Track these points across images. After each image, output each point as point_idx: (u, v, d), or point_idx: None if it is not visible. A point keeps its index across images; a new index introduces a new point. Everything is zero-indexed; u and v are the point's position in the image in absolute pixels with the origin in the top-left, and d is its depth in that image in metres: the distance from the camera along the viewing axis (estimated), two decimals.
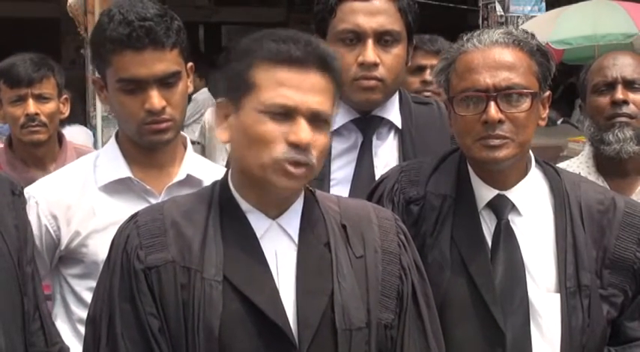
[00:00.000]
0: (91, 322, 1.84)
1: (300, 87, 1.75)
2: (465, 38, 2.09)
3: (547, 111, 2.13)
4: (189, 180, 2.34)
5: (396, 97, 2.54)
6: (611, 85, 2.68)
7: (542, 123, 2.11)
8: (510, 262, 2.05)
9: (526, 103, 2.01)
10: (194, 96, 8.21)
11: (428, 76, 3.52)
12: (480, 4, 9.41)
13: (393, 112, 2.53)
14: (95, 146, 6.21)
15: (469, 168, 2.12)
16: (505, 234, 2.07)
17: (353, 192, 2.39)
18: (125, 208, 2.18)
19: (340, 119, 2.49)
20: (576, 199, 2.10)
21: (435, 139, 2.49)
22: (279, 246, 1.82)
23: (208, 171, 2.37)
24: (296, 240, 1.83)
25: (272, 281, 1.78)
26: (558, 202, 2.09)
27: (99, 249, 2.22)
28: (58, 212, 2.29)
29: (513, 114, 2.00)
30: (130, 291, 1.77)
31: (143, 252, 1.78)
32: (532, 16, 8.89)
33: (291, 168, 1.74)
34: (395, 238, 1.91)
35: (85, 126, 7.02)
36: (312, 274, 1.80)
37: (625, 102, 2.65)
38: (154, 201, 2.24)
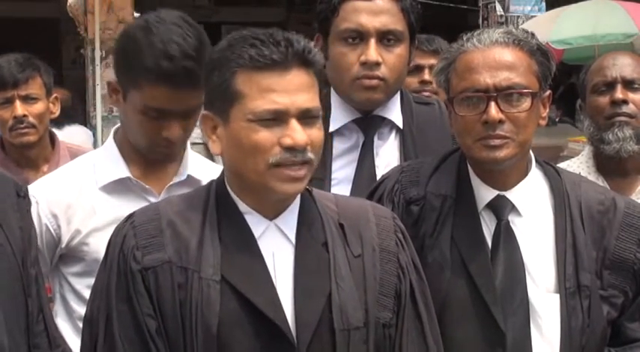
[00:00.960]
0: (88, 322, 1.84)
1: (286, 89, 1.73)
2: (464, 38, 2.08)
3: (547, 110, 2.12)
4: (189, 180, 2.34)
5: (397, 97, 2.54)
6: (610, 85, 2.68)
7: (543, 122, 2.10)
8: (510, 263, 2.04)
9: (526, 103, 2.01)
10: None
11: (426, 75, 3.52)
12: (480, 4, 9.43)
13: (394, 112, 2.52)
14: (95, 146, 6.20)
15: (469, 168, 2.12)
16: (505, 234, 2.06)
17: (354, 192, 2.39)
18: (125, 207, 2.18)
19: (342, 119, 2.49)
20: (576, 199, 2.09)
21: (436, 139, 2.49)
22: (277, 247, 1.81)
23: (208, 171, 2.37)
24: (293, 240, 1.82)
25: (270, 281, 1.77)
26: (558, 202, 2.09)
27: (100, 247, 2.22)
28: (58, 211, 2.30)
29: (513, 114, 1.99)
30: (127, 292, 1.77)
31: (140, 253, 1.78)
32: (532, 16, 8.91)
33: (291, 173, 1.73)
34: (393, 237, 1.91)
35: (85, 126, 7.02)
36: (310, 274, 1.79)
37: (624, 101, 2.65)
38: (153, 200, 2.25)
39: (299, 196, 1.86)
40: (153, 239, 1.79)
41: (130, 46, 2.18)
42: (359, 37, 2.41)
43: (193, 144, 2.58)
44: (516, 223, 2.08)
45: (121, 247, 1.80)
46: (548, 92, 2.10)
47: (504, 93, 1.99)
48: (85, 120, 7.56)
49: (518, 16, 9.06)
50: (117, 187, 2.31)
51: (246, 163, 1.75)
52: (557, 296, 2.02)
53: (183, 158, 2.37)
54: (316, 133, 1.77)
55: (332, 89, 2.54)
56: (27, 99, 3.34)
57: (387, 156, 2.52)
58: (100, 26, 8.52)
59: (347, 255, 1.83)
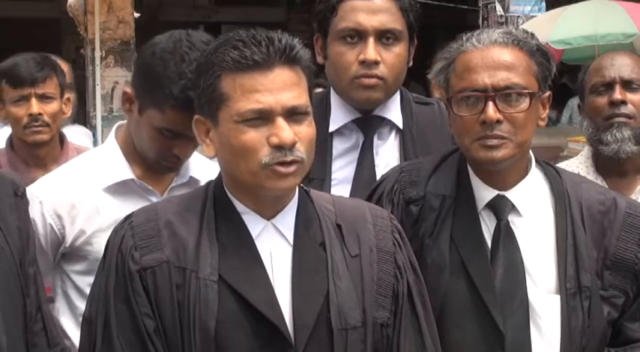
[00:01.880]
0: (86, 323, 1.84)
1: (270, 88, 1.73)
2: (464, 38, 2.08)
3: (547, 111, 2.12)
4: (192, 182, 2.35)
5: (397, 97, 2.54)
6: (609, 86, 2.67)
7: (542, 123, 2.10)
8: (510, 263, 2.04)
9: (525, 103, 2.00)
10: None
11: None
12: (480, 4, 9.44)
13: (394, 112, 2.52)
14: (95, 146, 6.20)
15: (469, 168, 2.12)
16: (505, 234, 2.06)
17: (354, 192, 2.39)
18: (129, 208, 2.18)
19: (341, 119, 2.49)
20: (577, 200, 2.09)
21: (435, 139, 2.49)
22: (274, 247, 1.81)
23: (210, 172, 2.37)
24: (291, 240, 1.82)
25: (268, 281, 1.77)
26: (559, 203, 2.09)
27: (103, 247, 2.24)
28: (62, 211, 2.31)
29: (512, 114, 1.99)
30: (125, 292, 1.77)
31: (138, 253, 1.78)
32: (532, 16, 8.92)
33: (281, 169, 1.73)
34: (390, 237, 1.91)
35: (85, 126, 7.02)
36: (308, 274, 1.80)
37: (623, 102, 2.65)
38: (156, 201, 2.25)
39: (296, 196, 1.86)
40: (151, 239, 1.80)
41: (158, 68, 2.15)
42: (357, 36, 2.41)
43: None
44: (516, 223, 2.08)
45: (119, 247, 1.81)
46: (547, 93, 2.10)
47: (503, 93, 1.99)
48: (84, 120, 7.57)
49: (518, 16, 9.08)
50: (120, 188, 2.32)
51: (238, 164, 1.76)
52: (558, 296, 2.02)
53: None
54: (305, 130, 1.76)
55: (331, 89, 2.54)
56: (43, 98, 3.35)
57: (387, 156, 2.51)
58: (100, 26, 8.53)
59: (344, 255, 1.84)
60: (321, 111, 2.44)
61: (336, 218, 1.88)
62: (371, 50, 2.39)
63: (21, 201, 2.03)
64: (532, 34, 2.10)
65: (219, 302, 1.74)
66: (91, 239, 2.30)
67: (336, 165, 2.49)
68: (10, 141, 3.45)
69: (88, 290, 2.25)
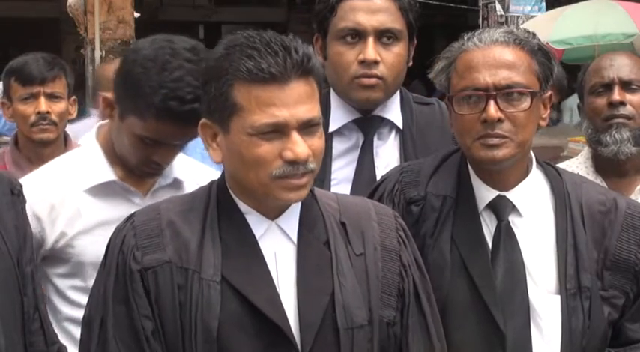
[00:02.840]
0: (85, 324, 1.83)
1: (286, 102, 1.70)
2: (465, 37, 2.08)
3: (548, 111, 2.12)
4: (175, 183, 2.35)
5: (397, 97, 2.54)
6: (608, 86, 2.67)
7: (543, 123, 2.10)
8: (511, 263, 2.04)
9: (526, 102, 2.00)
10: None
11: None
12: (480, 4, 9.45)
13: (394, 112, 2.52)
14: None
15: (470, 168, 2.11)
16: (505, 235, 2.06)
17: (354, 192, 2.38)
18: (111, 209, 2.20)
19: (341, 119, 2.49)
20: (577, 200, 2.08)
21: (436, 139, 2.49)
22: (278, 247, 1.80)
23: (195, 173, 2.37)
24: (295, 240, 1.81)
25: (271, 282, 1.76)
26: (559, 203, 2.08)
27: (85, 249, 2.24)
28: (42, 213, 2.27)
29: (513, 113, 1.99)
30: (125, 293, 1.76)
31: (139, 253, 1.77)
32: (532, 16, 8.93)
33: (294, 182, 1.72)
34: (395, 235, 1.90)
35: None
36: (312, 273, 1.79)
37: (622, 103, 2.64)
38: (138, 202, 2.26)
39: None
40: (153, 239, 1.79)
41: (139, 76, 2.11)
42: (357, 35, 2.41)
43: None
44: (517, 224, 2.07)
45: (120, 247, 1.79)
46: (549, 92, 2.09)
47: (504, 92, 1.99)
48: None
49: (518, 16, 9.09)
50: (102, 190, 2.29)
51: (248, 174, 1.74)
52: (558, 297, 2.02)
53: None
54: (317, 142, 1.75)
55: (331, 89, 2.54)
56: (51, 97, 3.39)
57: (387, 156, 2.51)
58: (100, 26, 8.53)
59: (349, 254, 1.83)
60: (321, 111, 2.43)
61: (341, 216, 1.87)
62: (370, 50, 2.39)
63: (18, 199, 2.03)
64: (533, 34, 2.09)
65: (222, 303, 1.72)
66: (73, 241, 2.27)
67: (336, 165, 2.49)
68: (15, 139, 3.47)
69: (69, 294, 2.26)
